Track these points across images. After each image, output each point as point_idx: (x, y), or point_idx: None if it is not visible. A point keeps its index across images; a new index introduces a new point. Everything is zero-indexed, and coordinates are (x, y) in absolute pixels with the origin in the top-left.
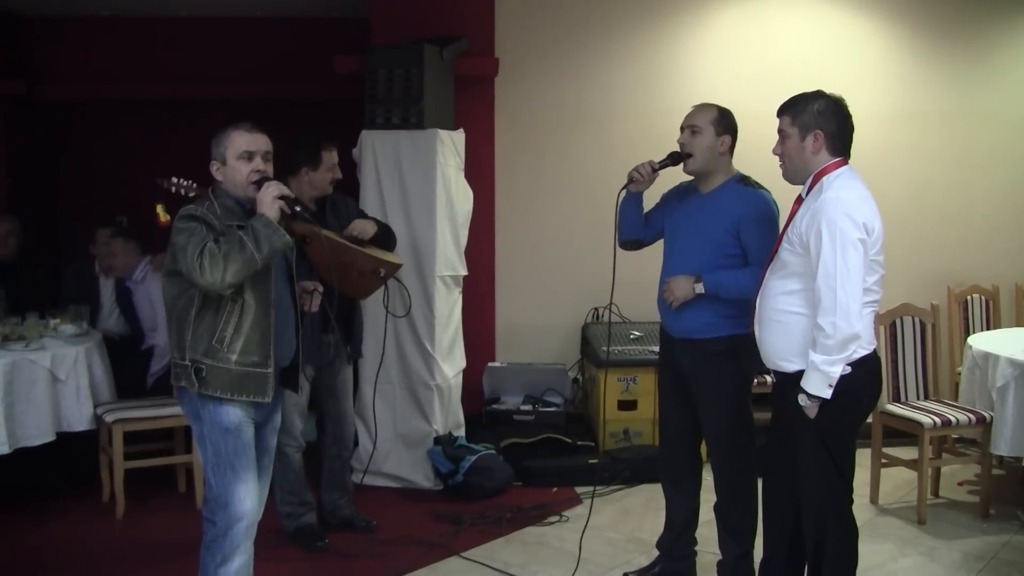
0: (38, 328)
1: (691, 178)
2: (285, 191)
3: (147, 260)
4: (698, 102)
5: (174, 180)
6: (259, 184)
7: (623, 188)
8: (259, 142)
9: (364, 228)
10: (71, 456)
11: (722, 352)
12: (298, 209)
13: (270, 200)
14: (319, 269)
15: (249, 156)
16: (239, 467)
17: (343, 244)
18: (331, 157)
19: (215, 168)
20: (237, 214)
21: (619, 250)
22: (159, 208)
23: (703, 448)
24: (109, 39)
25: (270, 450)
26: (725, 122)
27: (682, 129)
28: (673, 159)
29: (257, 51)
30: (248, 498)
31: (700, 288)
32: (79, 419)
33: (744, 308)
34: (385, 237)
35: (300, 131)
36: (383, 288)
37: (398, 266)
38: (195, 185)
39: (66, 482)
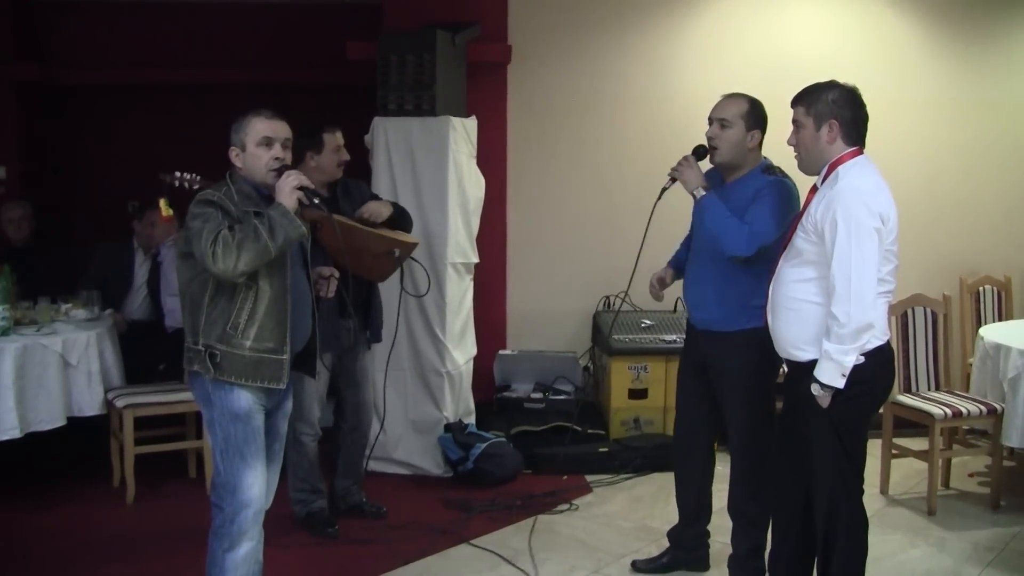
0: (50, 312)
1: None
2: (305, 181)
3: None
4: (711, 90)
5: (177, 174)
6: (279, 172)
7: (664, 189)
8: (279, 129)
9: (377, 210)
10: (82, 441)
11: (745, 344)
12: (316, 201)
13: (289, 190)
14: (332, 254)
15: (268, 143)
16: (248, 454)
17: (355, 227)
18: (334, 139)
19: (234, 154)
20: (254, 200)
21: (633, 238)
22: (162, 202)
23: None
24: (122, 24)
25: (281, 436)
26: (755, 115)
27: (710, 121)
28: (697, 154)
29: (270, 37)
30: (256, 485)
31: (701, 191)
32: (90, 404)
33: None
34: (400, 218)
35: (312, 117)
36: (400, 270)
37: (413, 245)
38: (199, 178)
39: (76, 467)
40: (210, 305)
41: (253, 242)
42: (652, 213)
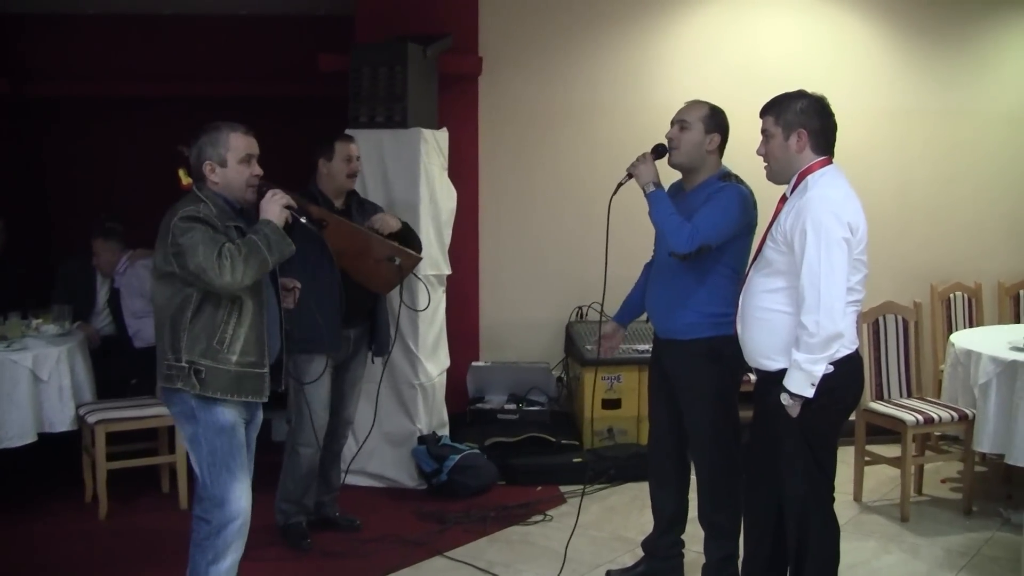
0: (20, 328)
1: (681, 176)
2: (290, 200)
3: (128, 254)
4: (683, 99)
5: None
6: (259, 189)
7: (620, 184)
8: (254, 146)
9: (386, 222)
10: (53, 457)
11: (703, 354)
12: (303, 220)
13: (278, 209)
14: (335, 255)
15: (249, 159)
16: (234, 466)
17: (358, 230)
18: (345, 148)
19: (209, 168)
20: (228, 215)
21: (607, 246)
22: (181, 172)
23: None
24: (93, 37)
25: (252, 447)
26: (715, 120)
27: (672, 124)
28: (657, 152)
29: (242, 49)
30: (244, 497)
31: (652, 187)
32: (61, 420)
33: (728, 309)
34: (409, 237)
35: (285, 130)
36: (399, 286)
37: (416, 259)
38: None
39: (48, 483)
40: (192, 321)
41: (257, 256)
42: (609, 209)
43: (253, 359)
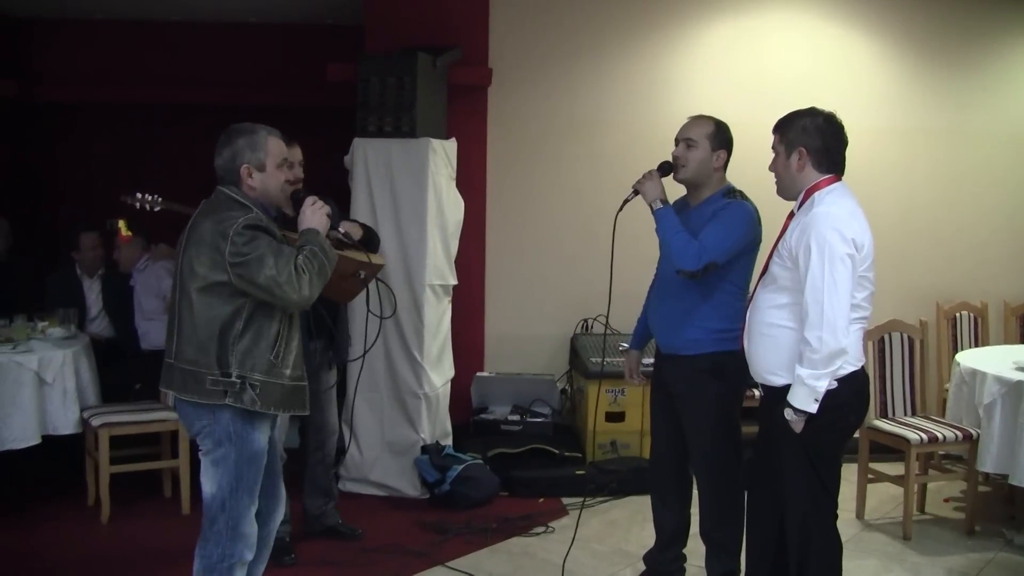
0: (26, 330)
1: (686, 192)
2: (329, 209)
3: (150, 252)
4: (691, 114)
5: (138, 195)
6: (294, 196)
7: (626, 200)
8: (285, 150)
9: (352, 229)
10: (57, 460)
11: (706, 369)
12: (340, 232)
13: (325, 219)
14: None
15: (285, 164)
16: (255, 491)
17: None
18: (292, 154)
19: (246, 172)
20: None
21: (612, 262)
22: (121, 223)
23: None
24: (103, 42)
25: (277, 446)
26: (721, 136)
27: (677, 142)
28: (663, 169)
29: (250, 57)
30: (254, 520)
31: (659, 204)
32: (65, 423)
33: (731, 325)
34: (368, 239)
35: (292, 137)
36: (367, 291)
37: (379, 267)
38: (160, 199)
39: (51, 486)
40: (242, 334)
41: (324, 271)
42: (615, 225)
43: (299, 373)
